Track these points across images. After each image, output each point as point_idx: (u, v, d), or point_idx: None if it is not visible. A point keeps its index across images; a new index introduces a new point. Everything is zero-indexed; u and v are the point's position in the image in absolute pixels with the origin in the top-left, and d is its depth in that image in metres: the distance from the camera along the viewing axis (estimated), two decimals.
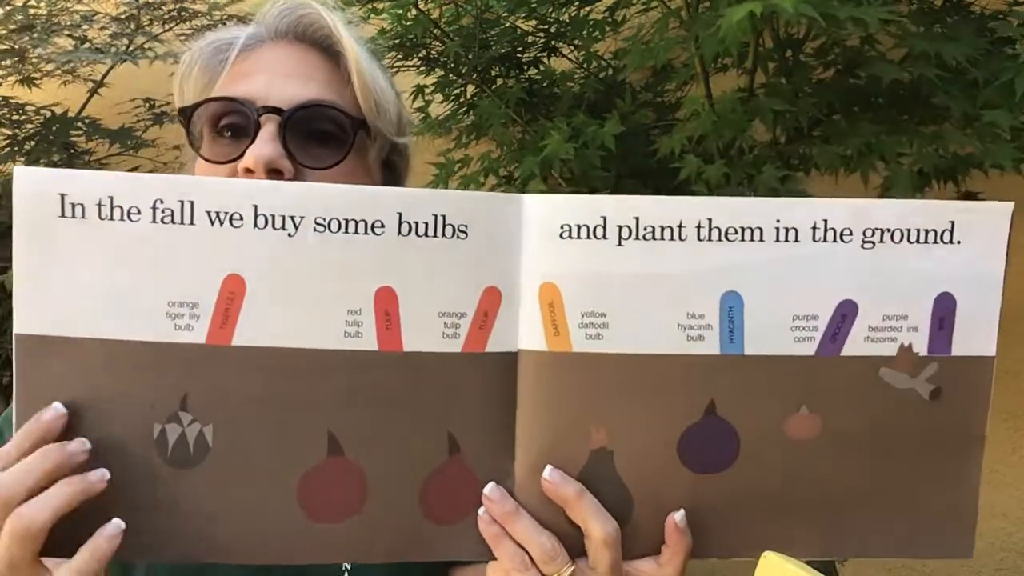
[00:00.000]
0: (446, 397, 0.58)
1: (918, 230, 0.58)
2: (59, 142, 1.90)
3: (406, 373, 0.58)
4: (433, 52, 1.79)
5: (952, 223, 0.58)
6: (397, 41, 1.73)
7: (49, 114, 1.96)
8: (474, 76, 1.77)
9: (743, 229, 0.57)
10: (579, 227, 0.57)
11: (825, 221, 0.57)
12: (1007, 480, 1.91)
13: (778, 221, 0.57)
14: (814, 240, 0.58)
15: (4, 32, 1.78)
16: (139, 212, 0.55)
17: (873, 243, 0.58)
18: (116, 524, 0.54)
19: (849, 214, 0.58)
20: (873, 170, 1.38)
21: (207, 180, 0.62)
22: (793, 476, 0.60)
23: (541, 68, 1.85)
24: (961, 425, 0.61)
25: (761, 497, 0.60)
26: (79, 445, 0.54)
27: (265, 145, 0.70)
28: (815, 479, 0.60)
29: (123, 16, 1.90)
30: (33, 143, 1.90)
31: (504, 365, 0.59)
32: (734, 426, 0.59)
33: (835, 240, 0.58)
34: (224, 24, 1.88)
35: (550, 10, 1.77)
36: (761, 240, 0.57)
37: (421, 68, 1.82)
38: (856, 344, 0.59)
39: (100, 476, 0.54)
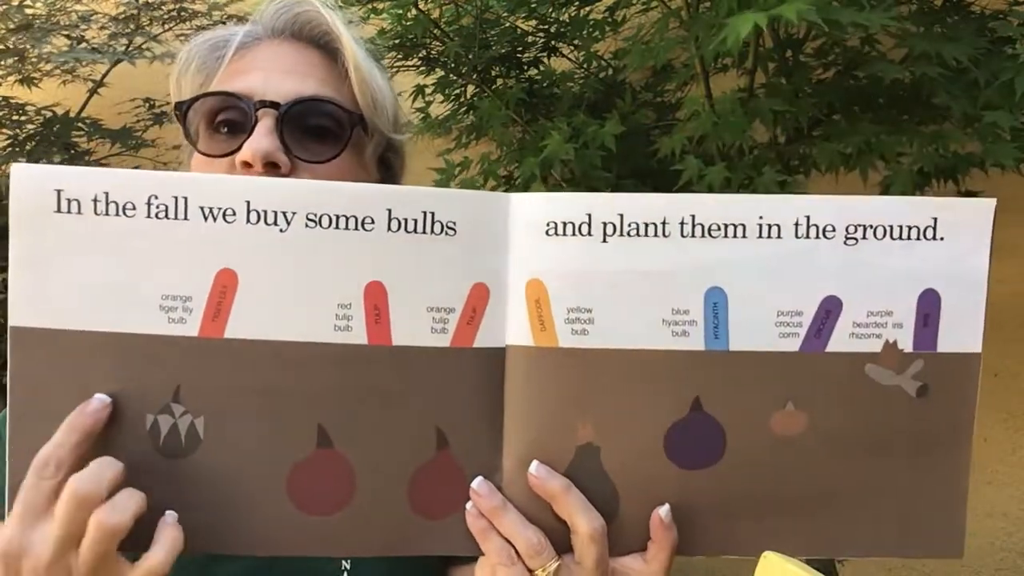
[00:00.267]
0: (434, 392, 0.59)
1: (901, 226, 0.59)
2: (60, 142, 1.91)
3: (395, 367, 0.58)
4: (433, 52, 1.80)
5: (935, 220, 0.59)
6: (397, 41, 1.73)
7: (50, 114, 1.98)
8: (474, 76, 1.78)
9: (726, 226, 0.58)
10: (565, 224, 0.58)
11: (808, 218, 0.58)
12: (1007, 480, 1.90)
13: (761, 218, 0.58)
14: (797, 236, 0.58)
15: (3, 32, 1.79)
16: (134, 208, 0.56)
17: (856, 239, 0.58)
18: (172, 514, 0.55)
19: (832, 211, 0.58)
20: (873, 169, 1.38)
21: (201, 176, 0.63)
22: (780, 473, 0.60)
23: (541, 68, 1.85)
24: (949, 422, 0.61)
25: (748, 494, 0.60)
26: None
27: (262, 139, 0.70)
28: (802, 476, 0.60)
29: (122, 16, 1.91)
30: (34, 143, 1.91)
31: (492, 360, 0.59)
32: (720, 422, 0.59)
33: (818, 236, 0.58)
34: (224, 24, 1.88)
35: (550, 10, 1.77)
36: (744, 236, 0.58)
37: (421, 68, 1.82)
38: (841, 340, 0.59)
39: None
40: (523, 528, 0.58)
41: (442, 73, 1.81)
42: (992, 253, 0.59)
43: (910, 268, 0.59)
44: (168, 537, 0.55)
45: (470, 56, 1.72)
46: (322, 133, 0.74)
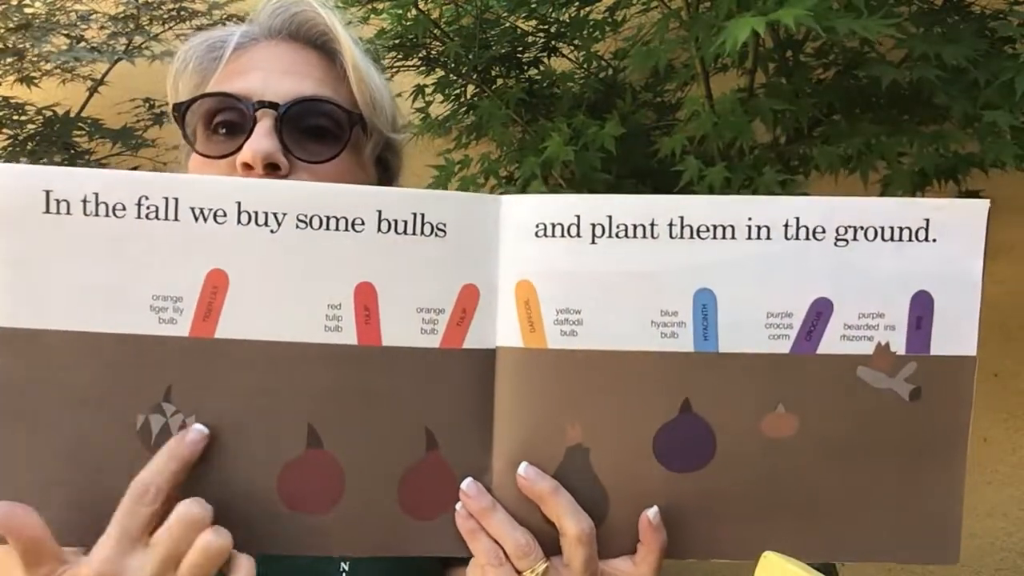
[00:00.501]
0: (424, 392, 0.59)
1: (892, 227, 0.58)
2: (60, 142, 1.92)
3: (385, 367, 0.58)
4: (433, 52, 1.79)
5: (927, 221, 0.58)
6: (397, 41, 1.73)
7: (50, 114, 1.98)
8: (474, 76, 1.77)
9: (715, 227, 0.58)
10: (554, 226, 0.58)
11: (797, 219, 0.58)
12: (1007, 480, 1.89)
13: (750, 219, 0.57)
14: (786, 238, 0.58)
15: (2, 31, 1.79)
16: (124, 208, 0.56)
17: (847, 241, 0.58)
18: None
19: (821, 212, 0.58)
20: (873, 170, 1.37)
21: (191, 177, 0.63)
22: (771, 476, 0.60)
23: (541, 68, 1.84)
24: (943, 427, 0.60)
25: (739, 497, 0.60)
26: None
27: (263, 140, 0.70)
28: (793, 479, 0.60)
29: (122, 16, 1.91)
30: (34, 143, 1.92)
31: (482, 362, 0.59)
32: (710, 424, 0.59)
33: (808, 238, 0.58)
34: (224, 24, 1.89)
35: (550, 10, 1.77)
36: (733, 238, 0.58)
37: (421, 68, 1.82)
38: (832, 342, 0.59)
39: None
40: (511, 529, 0.58)
41: (442, 73, 1.80)
42: (991, 253, 0.58)
43: (902, 270, 0.58)
44: (243, 568, 0.55)
45: (470, 56, 1.72)
46: (321, 133, 0.74)
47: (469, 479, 0.59)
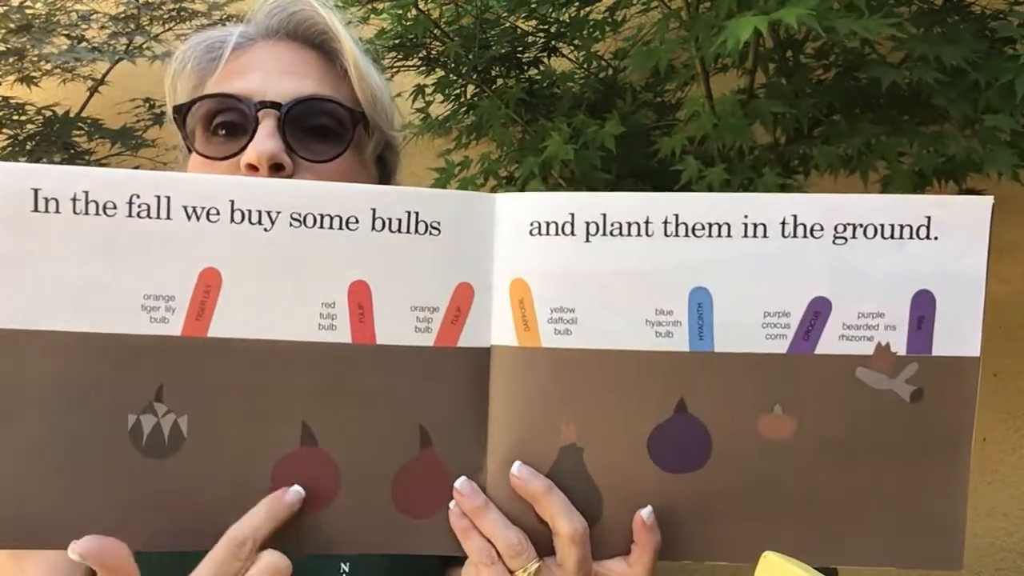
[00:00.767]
0: (418, 390, 0.59)
1: (892, 225, 0.57)
2: (60, 142, 1.92)
3: (379, 366, 0.58)
4: (433, 52, 1.79)
5: (928, 218, 0.57)
6: (397, 41, 1.73)
7: (50, 114, 1.98)
8: (474, 76, 1.77)
9: (710, 225, 0.57)
10: (548, 224, 0.57)
11: (795, 216, 0.57)
12: (1007, 480, 1.89)
13: (746, 217, 0.57)
14: (783, 236, 0.57)
15: (3, 32, 1.79)
16: (115, 207, 0.56)
17: (845, 239, 0.57)
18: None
19: (819, 209, 0.57)
20: (873, 170, 1.37)
21: (183, 175, 0.63)
22: (768, 478, 0.59)
23: (541, 68, 1.84)
24: (945, 429, 0.58)
25: (735, 499, 0.59)
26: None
27: (267, 140, 0.70)
28: (791, 482, 0.59)
29: (122, 16, 1.91)
30: (34, 143, 1.92)
31: (476, 360, 0.59)
32: (706, 425, 0.58)
33: (805, 236, 0.57)
34: (224, 24, 1.89)
35: (550, 10, 1.77)
36: (729, 236, 0.57)
37: (421, 68, 1.82)
38: (831, 342, 0.58)
39: None
40: (504, 528, 0.58)
41: (442, 73, 1.80)
42: (993, 252, 0.57)
43: (902, 268, 0.57)
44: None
45: (470, 56, 1.71)
46: (324, 132, 0.74)
47: (463, 478, 0.59)
